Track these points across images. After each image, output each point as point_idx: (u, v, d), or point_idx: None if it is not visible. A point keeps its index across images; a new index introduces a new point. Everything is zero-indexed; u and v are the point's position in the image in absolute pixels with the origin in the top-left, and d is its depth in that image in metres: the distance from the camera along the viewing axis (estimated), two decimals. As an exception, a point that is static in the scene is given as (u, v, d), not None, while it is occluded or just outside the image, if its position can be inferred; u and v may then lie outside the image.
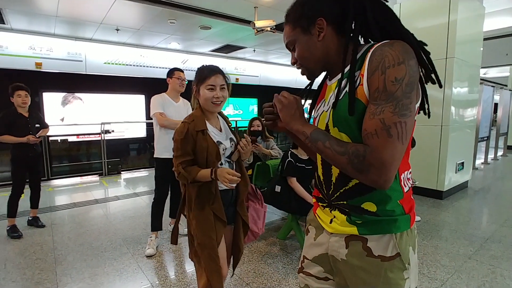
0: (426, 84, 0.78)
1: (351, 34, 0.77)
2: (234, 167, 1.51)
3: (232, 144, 1.50)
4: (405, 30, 0.75)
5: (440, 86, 0.78)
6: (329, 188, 0.84)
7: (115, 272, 2.29)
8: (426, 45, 0.77)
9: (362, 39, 0.83)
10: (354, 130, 0.73)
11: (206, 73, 1.40)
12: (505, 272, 2.23)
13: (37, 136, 3.06)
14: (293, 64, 0.89)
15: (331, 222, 0.84)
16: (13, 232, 2.97)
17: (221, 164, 1.45)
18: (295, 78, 10.82)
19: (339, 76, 0.80)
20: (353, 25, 0.77)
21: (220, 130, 1.49)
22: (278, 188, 2.60)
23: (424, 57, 0.75)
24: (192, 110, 1.52)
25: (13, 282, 2.18)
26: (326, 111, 0.82)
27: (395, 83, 0.65)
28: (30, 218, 3.27)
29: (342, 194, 0.80)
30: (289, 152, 2.62)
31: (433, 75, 0.77)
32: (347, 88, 0.74)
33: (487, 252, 2.56)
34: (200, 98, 1.42)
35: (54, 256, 2.56)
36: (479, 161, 6.80)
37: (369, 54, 0.71)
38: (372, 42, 0.79)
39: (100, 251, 2.64)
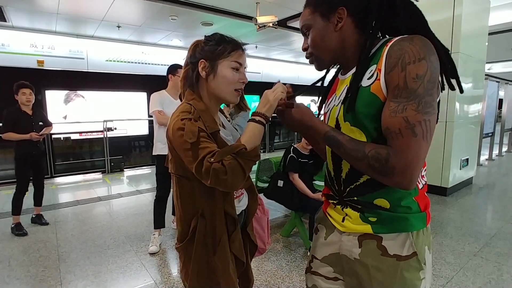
0: (443, 90, 0.75)
1: (371, 31, 0.74)
2: None
3: None
4: (432, 33, 0.72)
5: (461, 91, 0.76)
6: (339, 185, 0.82)
7: (118, 270, 2.29)
8: (449, 51, 0.74)
9: (381, 35, 0.80)
10: (367, 125, 0.71)
11: (230, 45, 0.93)
12: (511, 270, 2.21)
13: (40, 134, 3.06)
14: (304, 50, 0.85)
15: (343, 220, 0.82)
16: (18, 230, 2.99)
17: None
18: (298, 75, 10.76)
19: (354, 70, 0.77)
20: (374, 22, 0.74)
21: (224, 128, 1.06)
22: (280, 183, 2.58)
23: (449, 64, 0.72)
24: (180, 100, 1.01)
25: (18, 280, 2.19)
26: (337, 105, 0.80)
27: (416, 80, 0.63)
28: (33, 216, 3.28)
29: (352, 190, 0.78)
30: (292, 147, 2.60)
31: (454, 81, 0.74)
32: (361, 83, 0.72)
33: (493, 249, 2.53)
34: (214, 80, 0.93)
35: (58, 254, 2.57)
36: (483, 158, 6.74)
37: (386, 48, 0.68)
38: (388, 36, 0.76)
39: (103, 249, 2.64)
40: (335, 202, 0.85)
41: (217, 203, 0.92)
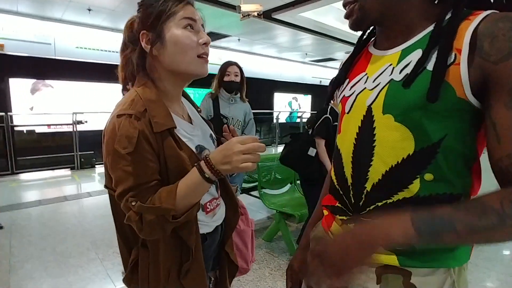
0: None
1: None
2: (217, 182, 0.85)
3: (215, 144, 0.85)
4: None
5: None
6: (359, 198, 0.60)
7: (80, 282, 2.02)
8: None
9: None
10: (425, 125, 0.51)
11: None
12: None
13: None
14: None
15: None
16: None
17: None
18: (280, 72, 10.58)
19: (409, 44, 0.56)
20: None
21: (191, 122, 0.80)
22: (312, 152, 2.22)
23: None
24: (125, 90, 0.79)
25: (-45, 298, 1.87)
26: (371, 90, 0.58)
27: None
28: (-16, 219, 2.90)
29: (379, 210, 0.57)
30: (330, 107, 2.19)
31: None
32: (431, 63, 0.50)
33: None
34: (165, 50, 0.69)
35: (10, 264, 2.24)
36: None
37: (471, 24, 0.48)
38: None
39: (64, 257, 2.34)
40: (345, 218, 0.64)
41: None
